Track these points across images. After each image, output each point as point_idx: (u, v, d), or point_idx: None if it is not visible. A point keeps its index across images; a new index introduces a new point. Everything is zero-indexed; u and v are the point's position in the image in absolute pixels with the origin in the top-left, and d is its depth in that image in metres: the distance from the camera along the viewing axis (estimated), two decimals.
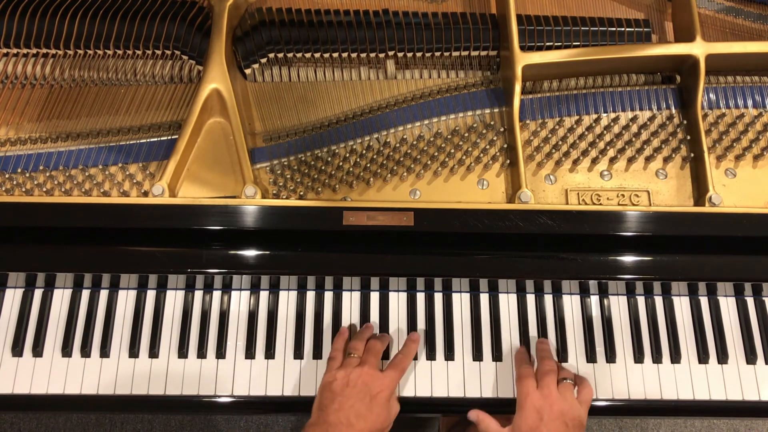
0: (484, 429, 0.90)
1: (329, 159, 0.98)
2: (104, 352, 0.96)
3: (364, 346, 0.91)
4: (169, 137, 0.99)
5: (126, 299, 0.99)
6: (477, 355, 0.96)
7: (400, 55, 1.03)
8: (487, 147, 1.00)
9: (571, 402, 0.87)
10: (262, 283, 0.99)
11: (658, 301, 1.00)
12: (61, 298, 0.99)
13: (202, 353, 0.96)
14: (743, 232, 0.91)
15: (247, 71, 1.03)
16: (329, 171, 0.98)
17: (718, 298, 1.00)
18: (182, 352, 0.96)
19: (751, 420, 1.73)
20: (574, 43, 1.03)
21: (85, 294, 0.99)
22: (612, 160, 0.99)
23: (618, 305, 1.00)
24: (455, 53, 1.04)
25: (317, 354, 0.96)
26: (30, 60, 1.04)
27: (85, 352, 0.96)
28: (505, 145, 1.00)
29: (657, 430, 1.76)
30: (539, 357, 0.93)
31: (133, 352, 0.96)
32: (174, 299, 0.99)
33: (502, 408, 0.95)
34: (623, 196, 0.97)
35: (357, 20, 1.03)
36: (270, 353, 0.96)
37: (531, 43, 1.03)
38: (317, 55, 1.03)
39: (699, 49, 0.98)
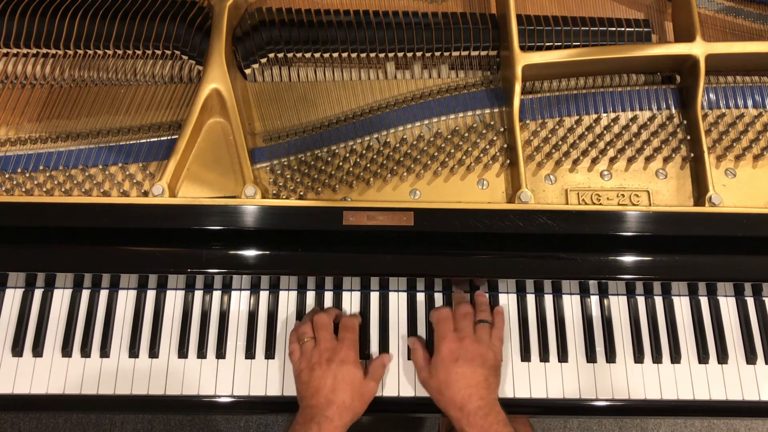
0: (414, 358, 0.93)
1: (329, 159, 0.98)
2: (104, 352, 0.96)
3: (311, 327, 0.92)
4: (169, 137, 0.99)
5: (126, 299, 0.99)
6: None
7: (400, 55, 1.03)
8: (487, 147, 1.00)
9: (487, 343, 0.90)
10: (262, 283, 0.99)
11: (658, 301, 1.00)
12: (61, 298, 0.99)
13: (202, 353, 0.96)
14: (743, 232, 0.91)
15: (247, 71, 1.03)
16: (329, 171, 0.98)
17: (718, 298, 1.00)
18: (182, 352, 0.96)
19: (751, 420, 1.73)
20: (574, 43, 1.03)
21: (85, 294, 0.99)
22: (612, 160, 0.99)
23: (618, 305, 1.00)
24: (455, 53, 1.04)
25: None
26: (30, 60, 1.04)
27: (85, 352, 0.96)
28: (505, 145, 1.00)
29: (657, 430, 1.76)
30: (455, 302, 0.96)
31: (133, 352, 0.96)
32: (174, 299, 0.99)
33: (504, 408, 0.95)
34: (623, 196, 0.97)
35: (357, 20, 1.03)
36: (270, 353, 0.96)
37: (531, 43, 1.03)
38: (317, 55, 1.03)
39: (699, 49, 0.98)
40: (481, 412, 0.83)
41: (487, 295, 0.99)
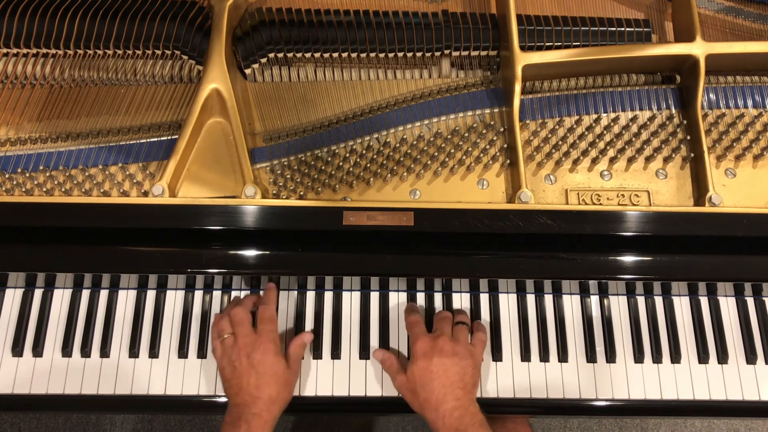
0: (387, 368, 0.92)
1: (329, 159, 0.98)
2: (104, 352, 0.96)
3: (229, 322, 0.91)
4: (169, 137, 0.99)
5: (126, 299, 0.99)
6: None
7: (400, 55, 1.03)
8: (487, 147, 1.00)
9: (464, 343, 0.90)
10: (262, 283, 0.99)
11: (658, 301, 1.00)
12: (61, 298, 0.99)
13: (202, 353, 0.96)
14: (743, 232, 0.91)
15: (247, 71, 1.03)
16: (329, 171, 0.98)
17: (718, 298, 1.00)
18: (182, 352, 0.96)
19: (751, 420, 1.73)
20: (574, 43, 1.03)
21: (85, 294, 0.99)
22: (612, 160, 0.99)
23: (618, 305, 1.00)
24: (455, 53, 1.04)
25: (317, 354, 0.96)
26: (30, 60, 1.04)
27: (85, 352, 0.96)
28: (505, 145, 1.00)
29: (657, 430, 1.76)
30: (437, 311, 0.97)
31: (134, 352, 0.96)
32: (174, 299, 0.99)
33: (504, 408, 0.95)
34: (623, 196, 0.97)
35: (357, 20, 1.03)
36: None
37: (531, 43, 1.03)
38: (317, 55, 1.03)
39: (699, 49, 0.98)
40: (456, 413, 0.82)
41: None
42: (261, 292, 0.99)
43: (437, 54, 1.04)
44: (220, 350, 0.90)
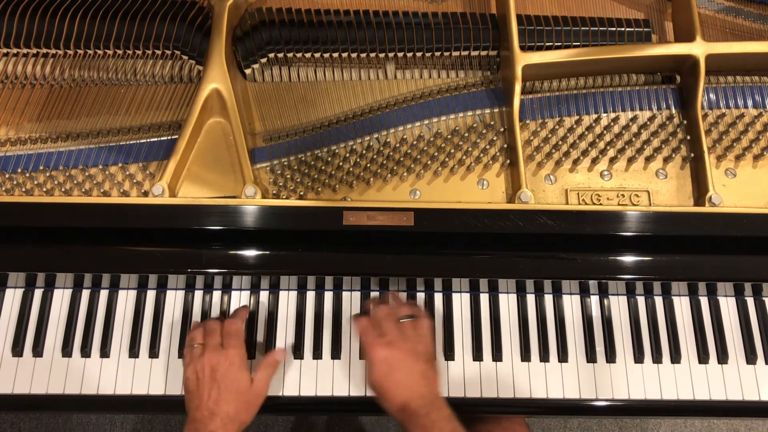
0: (362, 344, 0.91)
1: (329, 159, 0.98)
2: (104, 352, 0.96)
3: (202, 333, 0.91)
4: (169, 137, 0.99)
5: (126, 299, 0.99)
6: (477, 355, 0.96)
7: (400, 55, 1.03)
8: (487, 147, 1.00)
9: (415, 338, 0.89)
10: (262, 283, 0.99)
11: (658, 301, 1.00)
12: (61, 298, 0.99)
13: None
14: (743, 232, 0.91)
15: (247, 71, 1.03)
16: (329, 171, 0.98)
17: (718, 298, 1.00)
18: (182, 353, 0.96)
19: (751, 420, 1.73)
20: (574, 43, 1.03)
21: (85, 294, 0.99)
22: (612, 160, 0.99)
23: (618, 305, 1.00)
24: (455, 53, 1.04)
25: (317, 354, 0.96)
26: (30, 60, 1.04)
27: (85, 352, 0.96)
28: (505, 145, 1.00)
29: (657, 430, 1.76)
30: (372, 305, 0.94)
31: (134, 352, 0.96)
32: (174, 299, 0.99)
33: (504, 408, 0.95)
34: (623, 196, 0.97)
35: (357, 20, 1.03)
36: None
37: (531, 43, 1.03)
38: (317, 55, 1.03)
39: (699, 49, 0.98)
40: (423, 411, 0.82)
41: (400, 293, 0.98)
42: (260, 293, 1.00)
43: (437, 54, 1.04)
44: (188, 359, 0.89)
